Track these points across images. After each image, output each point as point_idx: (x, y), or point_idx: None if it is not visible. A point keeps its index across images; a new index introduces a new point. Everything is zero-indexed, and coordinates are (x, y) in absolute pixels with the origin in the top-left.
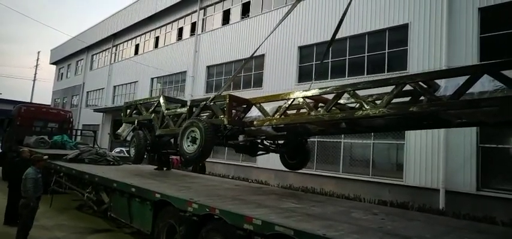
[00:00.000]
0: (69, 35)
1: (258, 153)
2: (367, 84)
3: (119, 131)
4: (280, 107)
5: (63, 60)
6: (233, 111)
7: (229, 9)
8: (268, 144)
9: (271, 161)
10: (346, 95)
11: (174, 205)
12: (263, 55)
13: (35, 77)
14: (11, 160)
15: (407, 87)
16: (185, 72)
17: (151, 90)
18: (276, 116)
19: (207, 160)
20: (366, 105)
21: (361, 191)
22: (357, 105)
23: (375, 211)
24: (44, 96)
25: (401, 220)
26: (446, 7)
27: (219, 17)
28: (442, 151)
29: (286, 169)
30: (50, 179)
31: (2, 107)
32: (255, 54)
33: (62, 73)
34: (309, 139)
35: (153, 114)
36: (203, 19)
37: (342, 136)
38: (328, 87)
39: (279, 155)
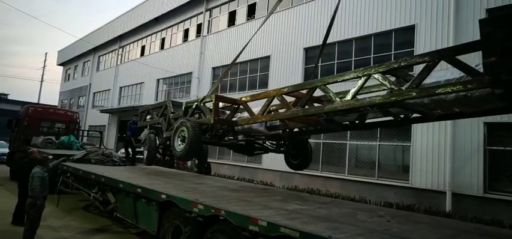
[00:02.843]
0: (76, 36)
1: (255, 153)
2: (336, 79)
3: (140, 136)
4: (271, 106)
5: (70, 61)
6: (227, 111)
7: (235, 10)
8: (268, 144)
9: (276, 162)
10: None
11: (180, 205)
12: (268, 57)
13: (42, 78)
14: (19, 160)
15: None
16: (191, 73)
17: (157, 92)
18: (258, 114)
19: (212, 161)
20: (334, 99)
21: (367, 193)
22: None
23: (381, 213)
24: (51, 97)
25: (408, 222)
26: (453, 8)
27: (224, 18)
28: (449, 153)
29: (291, 170)
30: (56, 179)
31: (10, 108)
32: (260, 57)
33: (69, 74)
34: (317, 140)
35: (161, 118)
36: (209, 21)
37: (348, 137)
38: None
39: (283, 155)
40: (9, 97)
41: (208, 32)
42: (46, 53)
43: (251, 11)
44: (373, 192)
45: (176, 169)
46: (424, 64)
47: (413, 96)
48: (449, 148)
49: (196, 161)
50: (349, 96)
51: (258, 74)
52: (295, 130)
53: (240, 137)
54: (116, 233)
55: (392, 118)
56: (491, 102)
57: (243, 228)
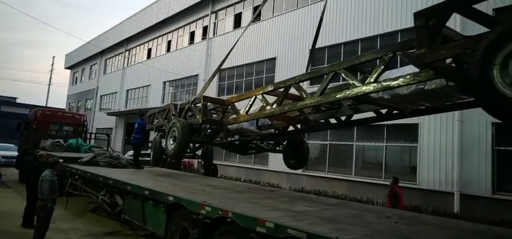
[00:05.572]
0: (83, 40)
1: (249, 152)
2: (306, 77)
3: (151, 139)
4: (263, 106)
5: (77, 64)
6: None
7: (241, 12)
8: (265, 144)
9: (282, 164)
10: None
11: (187, 207)
12: (274, 58)
13: (50, 81)
14: (28, 163)
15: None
16: (197, 75)
17: (164, 94)
18: (242, 113)
19: (219, 163)
20: (306, 96)
21: (374, 194)
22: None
23: (388, 214)
24: (58, 100)
25: (415, 223)
26: None
27: (230, 20)
28: (457, 153)
29: (298, 172)
30: (65, 182)
31: (19, 111)
32: (266, 59)
33: (76, 77)
34: (323, 141)
35: (165, 121)
36: (215, 23)
37: (354, 138)
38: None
39: (282, 156)
40: (18, 101)
41: (214, 34)
42: (53, 57)
43: None
44: (381, 193)
45: (183, 170)
46: (380, 59)
47: (371, 91)
48: (457, 148)
49: (203, 162)
50: (317, 93)
51: (264, 76)
52: (290, 129)
53: (236, 136)
54: (124, 236)
55: (375, 115)
56: (454, 95)
57: (251, 230)
